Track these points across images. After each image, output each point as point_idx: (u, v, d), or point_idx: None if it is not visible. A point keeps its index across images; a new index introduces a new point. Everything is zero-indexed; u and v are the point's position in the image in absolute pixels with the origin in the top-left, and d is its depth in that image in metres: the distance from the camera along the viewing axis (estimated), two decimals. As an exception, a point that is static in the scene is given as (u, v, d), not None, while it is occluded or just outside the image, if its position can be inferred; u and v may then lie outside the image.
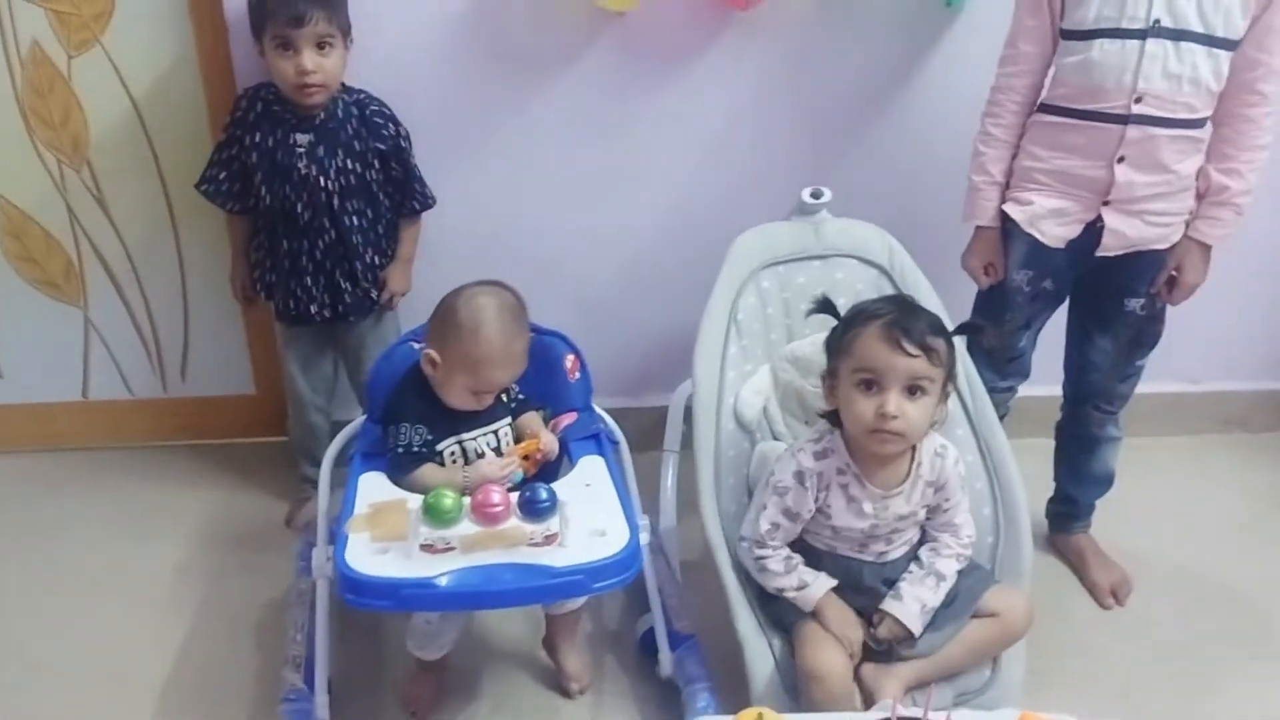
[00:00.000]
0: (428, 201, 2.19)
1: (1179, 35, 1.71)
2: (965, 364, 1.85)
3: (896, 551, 1.66)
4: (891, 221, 2.01)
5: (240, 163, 2.07)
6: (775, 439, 1.89)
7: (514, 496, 1.55)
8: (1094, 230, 1.86)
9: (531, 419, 1.81)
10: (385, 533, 1.55)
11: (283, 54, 1.93)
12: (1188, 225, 1.88)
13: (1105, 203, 1.84)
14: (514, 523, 1.53)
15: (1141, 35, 1.72)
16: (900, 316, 1.55)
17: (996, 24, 1.94)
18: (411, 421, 1.69)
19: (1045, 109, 1.88)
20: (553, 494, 1.54)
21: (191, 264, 2.41)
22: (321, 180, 2.03)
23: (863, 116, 2.28)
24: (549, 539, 1.53)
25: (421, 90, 2.16)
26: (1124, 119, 1.76)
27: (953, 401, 1.76)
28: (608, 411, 1.92)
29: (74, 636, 1.99)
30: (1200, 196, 1.86)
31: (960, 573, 1.66)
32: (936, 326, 1.57)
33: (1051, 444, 2.22)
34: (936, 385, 1.55)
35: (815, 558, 1.66)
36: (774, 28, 2.17)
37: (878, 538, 1.64)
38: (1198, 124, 1.80)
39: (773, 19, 2.15)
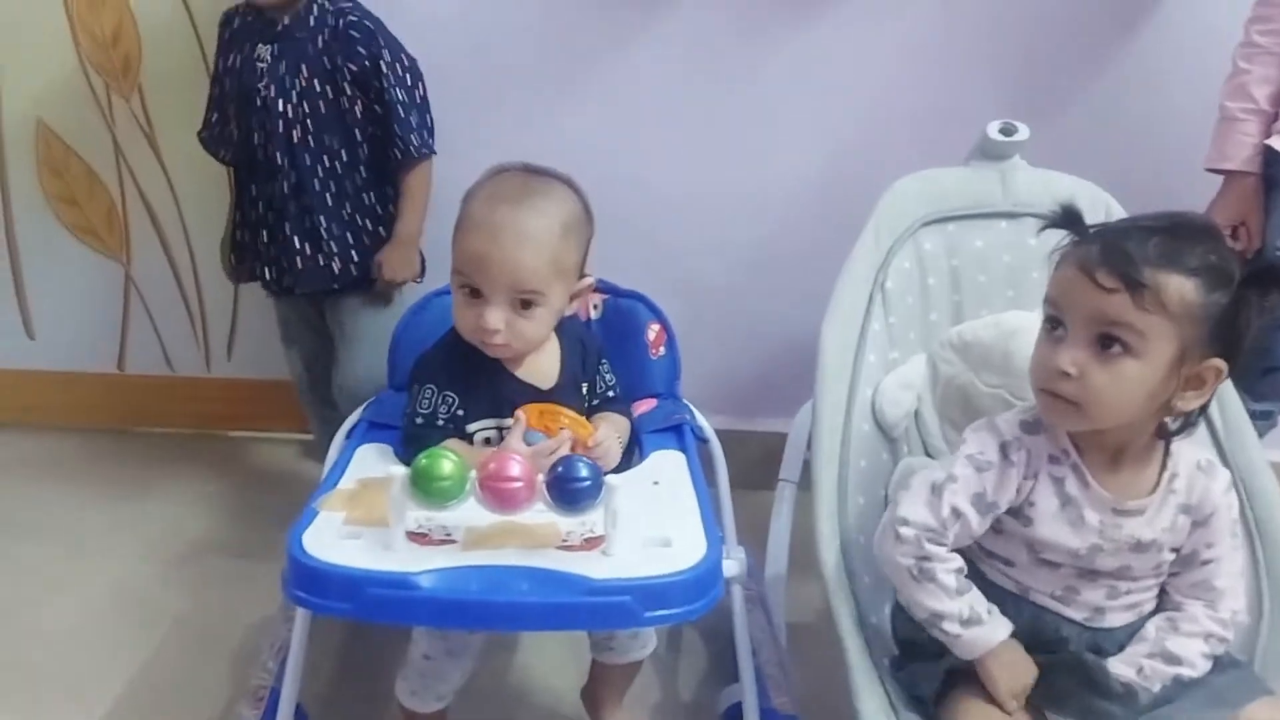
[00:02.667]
0: (413, 150, 1.68)
1: None
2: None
3: (1119, 615, 1.10)
4: (1109, 179, 1.50)
5: (224, 99, 1.73)
6: (928, 455, 1.38)
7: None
8: None
9: (609, 419, 1.34)
10: (364, 515, 1.12)
11: None
12: None
13: None
14: (540, 511, 1.07)
15: None
16: (1122, 233, 1.04)
17: None
18: (440, 385, 1.27)
19: None
20: (596, 473, 1.07)
21: (247, 221, 2.10)
22: (280, 104, 1.63)
23: (1075, 49, 1.83)
24: (591, 542, 1.06)
25: (498, 11, 1.81)
26: None
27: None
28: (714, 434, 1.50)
29: (42, 637, 1.66)
30: None
31: (1211, 668, 1.09)
32: (1183, 256, 1.00)
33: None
34: (1157, 346, 1.00)
35: (989, 599, 1.12)
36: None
37: (1097, 576, 1.09)
38: None
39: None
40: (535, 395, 1.27)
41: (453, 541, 1.07)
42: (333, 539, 1.08)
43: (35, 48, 1.99)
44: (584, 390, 1.33)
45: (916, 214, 1.45)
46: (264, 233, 1.72)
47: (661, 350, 1.50)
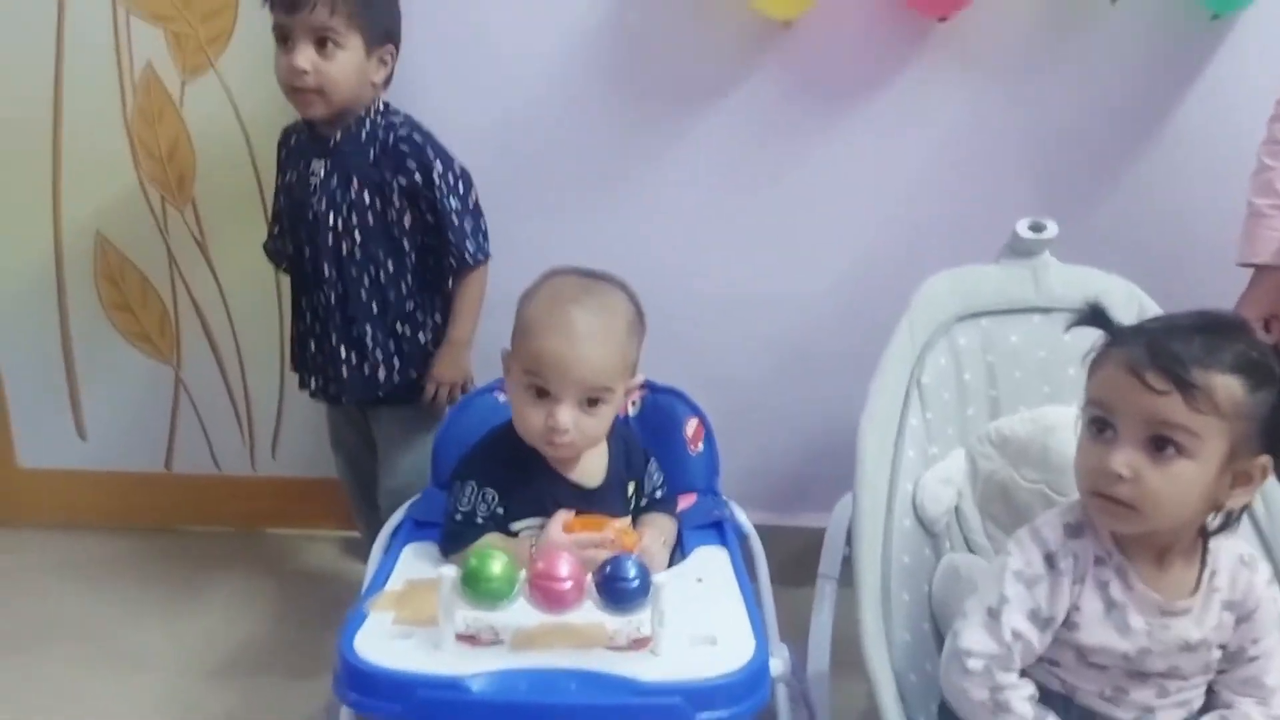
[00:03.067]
0: (468, 257, 1.69)
1: None
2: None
3: (1169, 714, 1.09)
4: (1139, 274, 1.52)
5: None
6: (970, 550, 1.37)
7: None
8: None
9: (654, 524, 1.35)
10: (413, 615, 1.14)
11: (280, 49, 1.62)
12: None
13: None
14: (589, 610, 1.08)
15: None
16: (1169, 334, 1.04)
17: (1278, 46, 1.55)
18: (480, 483, 1.28)
19: None
20: (644, 573, 1.08)
21: (292, 324, 2.16)
22: (331, 218, 1.67)
23: (1102, 149, 1.85)
24: (638, 643, 1.08)
25: (539, 119, 1.87)
26: None
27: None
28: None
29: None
30: None
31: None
32: (1229, 356, 1.01)
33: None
34: (1210, 446, 1.01)
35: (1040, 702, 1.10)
36: (985, 41, 1.79)
37: (1145, 677, 1.08)
38: None
39: (983, 30, 1.77)
40: (580, 494, 1.28)
41: (501, 642, 1.09)
42: (383, 640, 1.09)
43: (95, 163, 2.07)
44: (630, 490, 1.34)
45: (950, 310, 1.47)
46: (311, 342, 1.76)
47: (700, 446, 1.51)
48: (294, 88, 1.61)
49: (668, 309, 1.93)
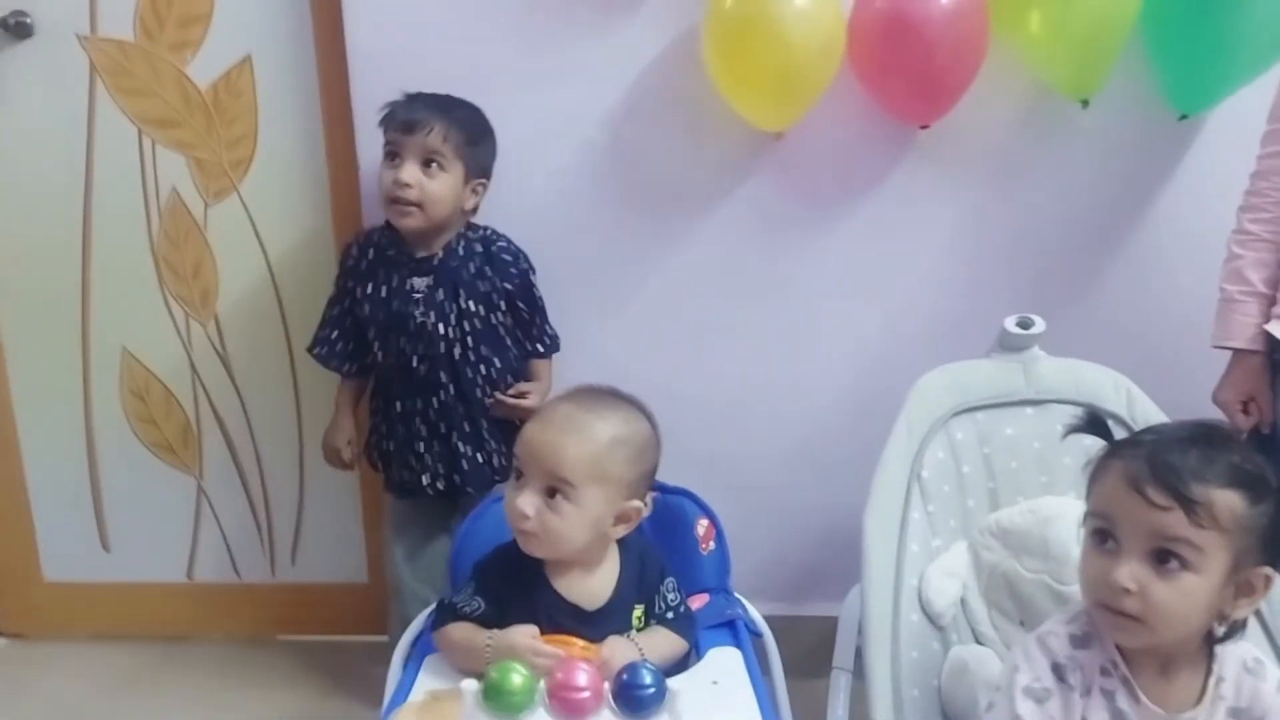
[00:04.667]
0: (555, 343, 1.92)
1: None
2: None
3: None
4: (1126, 363, 1.56)
5: (353, 317, 1.87)
6: (977, 641, 1.40)
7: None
8: None
9: (653, 633, 1.31)
10: None
11: (389, 163, 1.75)
12: None
13: None
14: (607, 718, 1.11)
15: None
16: (1166, 448, 1.06)
17: (1245, 141, 1.60)
18: (478, 589, 1.31)
19: None
20: (660, 680, 1.12)
21: (311, 433, 2.20)
22: (441, 328, 1.79)
23: (1083, 245, 1.90)
24: None
25: (553, 232, 1.93)
26: None
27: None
28: (766, 621, 1.53)
29: None
30: None
31: None
32: (1227, 470, 1.03)
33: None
34: (1214, 559, 1.02)
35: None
36: (966, 146, 1.85)
37: None
38: None
39: (962, 138, 1.84)
40: (577, 615, 1.27)
41: None
42: None
43: (122, 282, 2.14)
44: (637, 614, 1.31)
45: (946, 405, 1.52)
46: (420, 444, 1.84)
47: (711, 545, 1.52)
48: (396, 199, 1.74)
49: (676, 412, 1.96)
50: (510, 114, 1.87)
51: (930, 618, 1.39)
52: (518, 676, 1.11)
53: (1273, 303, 1.53)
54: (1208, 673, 1.10)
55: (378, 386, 1.92)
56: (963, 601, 1.43)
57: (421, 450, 1.85)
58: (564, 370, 1.95)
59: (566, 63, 1.88)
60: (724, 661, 1.33)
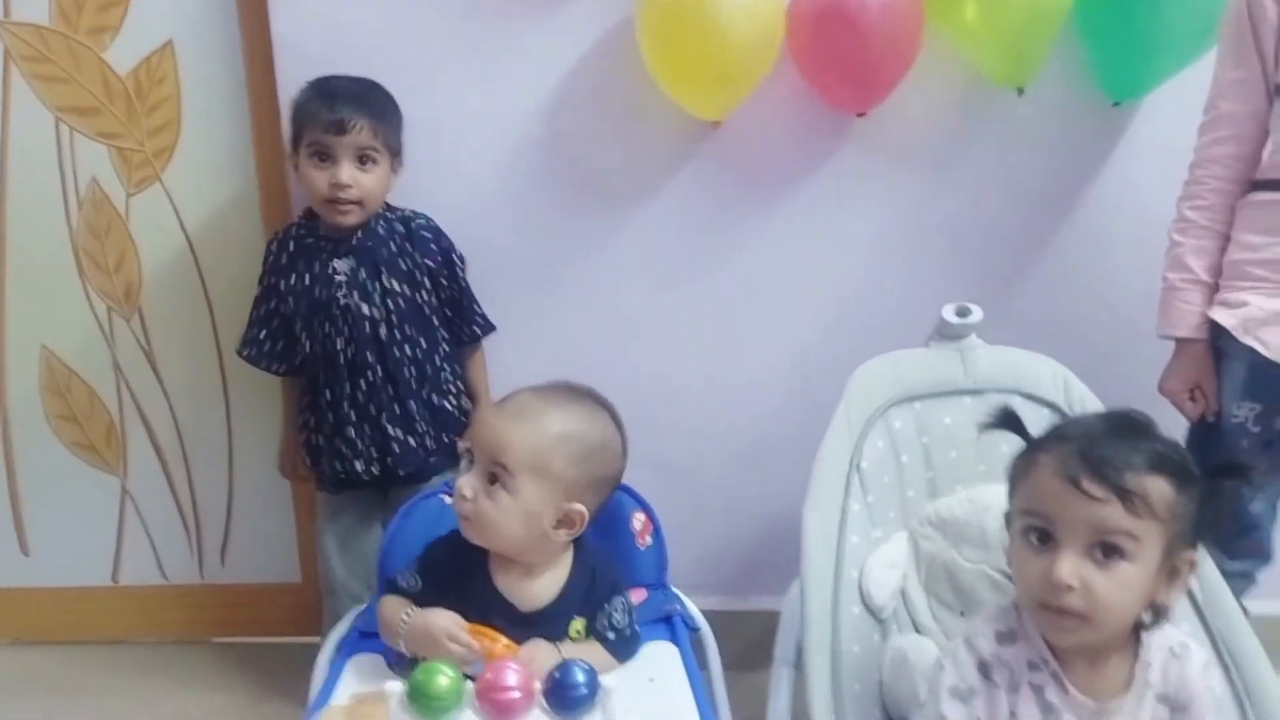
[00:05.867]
0: (487, 325, 1.90)
1: None
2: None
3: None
4: (1064, 351, 1.56)
5: (280, 316, 1.82)
6: (917, 631, 1.39)
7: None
8: None
9: (587, 647, 1.26)
10: None
11: (318, 164, 1.71)
12: None
13: None
14: (538, 718, 1.08)
15: None
16: (1093, 440, 1.05)
17: (1179, 128, 1.60)
18: (418, 567, 1.29)
19: (1261, 186, 1.47)
20: (593, 678, 1.09)
21: (240, 430, 2.16)
22: (365, 308, 1.76)
23: (1020, 233, 1.90)
24: None
25: (490, 222, 1.91)
26: None
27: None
28: (707, 615, 1.51)
29: None
30: None
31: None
32: (1156, 459, 1.03)
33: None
34: (1149, 548, 1.02)
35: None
36: (901, 135, 1.85)
37: None
38: None
39: (899, 126, 1.83)
40: (513, 616, 1.24)
41: None
42: None
43: (40, 276, 2.07)
44: (576, 626, 1.27)
45: (885, 395, 1.50)
46: (350, 429, 1.80)
47: (648, 539, 1.50)
48: (335, 200, 1.71)
49: (621, 403, 1.97)
50: (444, 103, 1.84)
51: (871, 611, 1.38)
52: (444, 679, 1.08)
53: (1215, 290, 1.53)
54: (1135, 660, 1.10)
55: (306, 381, 1.87)
56: (903, 593, 1.42)
57: (352, 435, 1.81)
58: (500, 361, 1.92)
59: (500, 52, 1.85)
60: (660, 658, 1.31)
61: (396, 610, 1.24)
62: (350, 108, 1.69)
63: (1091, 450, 1.03)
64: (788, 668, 1.65)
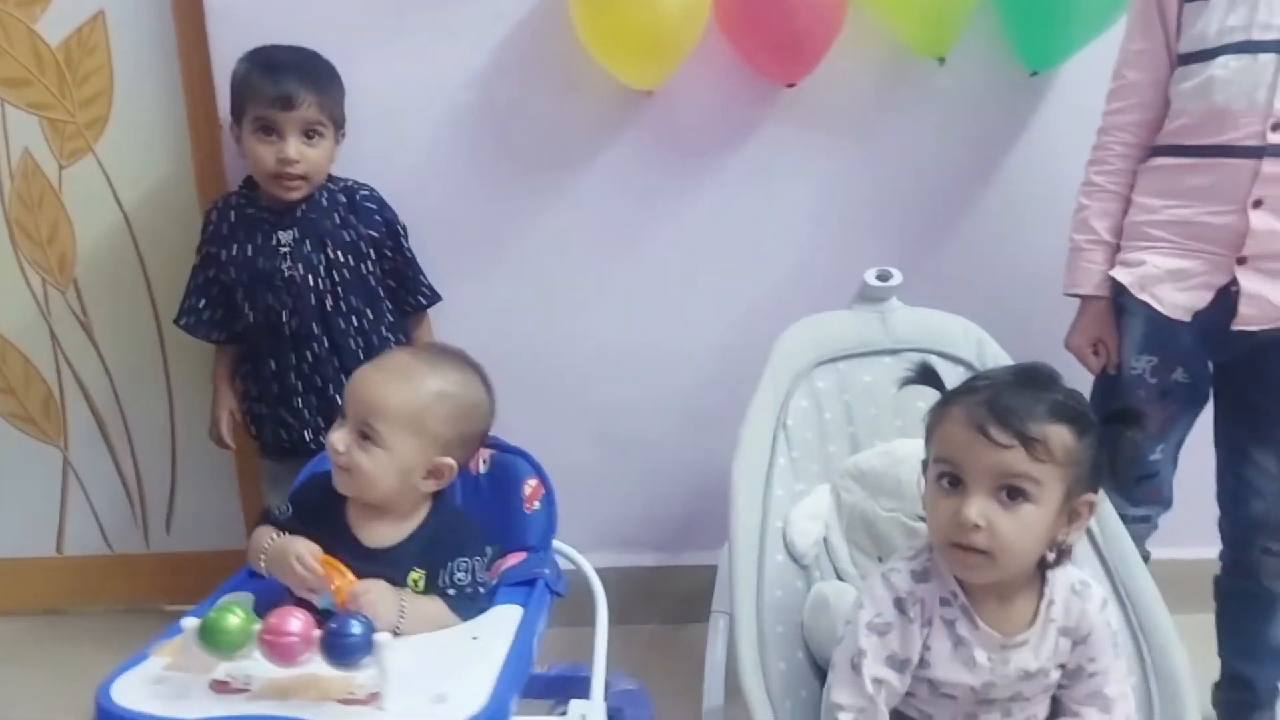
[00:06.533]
0: (433, 295, 1.91)
1: None
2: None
3: (1017, 730, 1.18)
4: (980, 311, 1.64)
5: (220, 285, 1.82)
6: (839, 578, 1.46)
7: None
8: (1228, 298, 1.48)
9: (421, 602, 1.27)
10: (186, 660, 1.14)
11: (263, 139, 1.71)
12: None
13: (1240, 260, 1.46)
14: (316, 664, 1.10)
15: (1277, 47, 1.39)
16: (1000, 392, 1.13)
17: (1093, 97, 1.66)
18: (290, 503, 1.34)
19: (1160, 151, 1.55)
20: (368, 630, 1.09)
21: (182, 399, 2.17)
22: (310, 280, 1.77)
23: (940, 200, 1.97)
24: (373, 697, 1.09)
25: (426, 192, 1.92)
26: (1258, 151, 1.43)
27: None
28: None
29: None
30: None
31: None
32: (1057, 408, 1.11)
33: (1210, 619, 1.71)
34: (1050, 490, 1.10)
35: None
36: (828, 105, 1.90)
37: (992, 703, 1.17)
38: None
39: (825, 95, 1.89)
40: (358, 551, 1.27)
41: (247, 690, 1.10)
42: (142, 685, 1.13)
43: (-29, 249, 2.06)
44: (414, 577, 1.28)
45: (809, 356, 1.57)
46: (296, 399, 1.82)
47: (536, 505, 1.49)
48: (282, 175, 1.71)
49: (548, 367, 2.02)
50: (378, 71, 1.85)
51: (794, 558, 1.45)
52: (234, 618, 1.08)
53: (1117, 250, 1.60)
54: (1040, 596, 1.17)
55: (246, 350, 1.88)
56: (825, 541, 1.49)
57: (299, 405, 1.83)
58: (438, 328, 1.95)
59: (434, 19, 1.86)
60: (498, 618, 1.28)
61: (263, 535, 1.29)
62: (296, 82, 1.69)
63: (998, 400, 1.11)
64: (724, 617, 1.72)
